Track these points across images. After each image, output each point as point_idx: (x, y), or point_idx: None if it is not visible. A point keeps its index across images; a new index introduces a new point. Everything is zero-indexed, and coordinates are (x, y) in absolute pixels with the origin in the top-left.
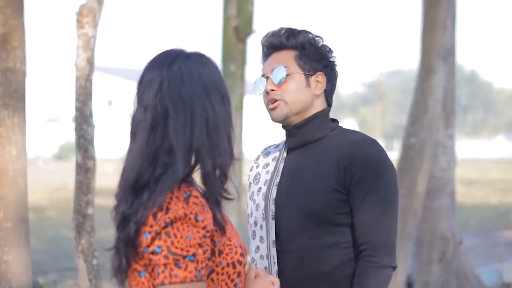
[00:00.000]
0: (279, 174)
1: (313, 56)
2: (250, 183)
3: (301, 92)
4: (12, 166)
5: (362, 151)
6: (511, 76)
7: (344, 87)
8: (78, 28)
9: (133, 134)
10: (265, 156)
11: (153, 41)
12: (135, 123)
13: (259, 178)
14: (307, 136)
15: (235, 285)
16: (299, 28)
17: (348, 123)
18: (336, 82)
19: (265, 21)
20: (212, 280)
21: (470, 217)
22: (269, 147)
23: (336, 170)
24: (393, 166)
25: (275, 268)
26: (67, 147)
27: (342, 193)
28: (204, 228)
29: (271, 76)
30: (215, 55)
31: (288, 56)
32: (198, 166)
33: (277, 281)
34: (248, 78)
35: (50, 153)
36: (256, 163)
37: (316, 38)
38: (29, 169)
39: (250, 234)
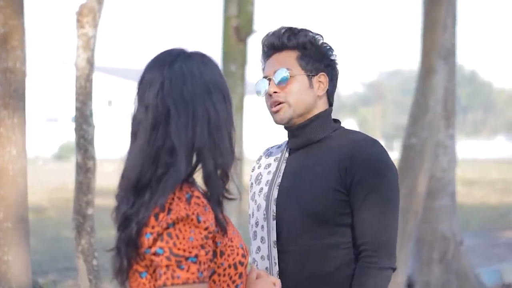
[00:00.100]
0: (281, 174)
1: (315, 56)
2: (252, 183)
3: (304, 94)
4: (12, 166)
5: (363, 151)
6: (511, 76)
7: (344, 87)
8: (78, 28)
9: (134, 134)
10: (267, 157)
11: (153, 41)
12: (136, 123)
13: (261, 178)
14: (310, 137)
15: (236, 286)
16: (299, 27)
17: (348, 123)
18: (337, 81)
19: (266, 21)
20: (214, 282)
21: (470, 217)
22: (271, 147)
23: (337, 170)
24: (395, 167)
25: (276, 268)
26: (67, 147)
27: (343, 194)
28: (206, 229)
29: (273, 78)
30: (216, 55)
31: (289, 57)
32: (199, 166)
33: (278, 282)
34: (249, 78)
35: (50, 153)
36: (258, 163)
37: (316, 37)
38: (29, 169)
39: (251, 234)
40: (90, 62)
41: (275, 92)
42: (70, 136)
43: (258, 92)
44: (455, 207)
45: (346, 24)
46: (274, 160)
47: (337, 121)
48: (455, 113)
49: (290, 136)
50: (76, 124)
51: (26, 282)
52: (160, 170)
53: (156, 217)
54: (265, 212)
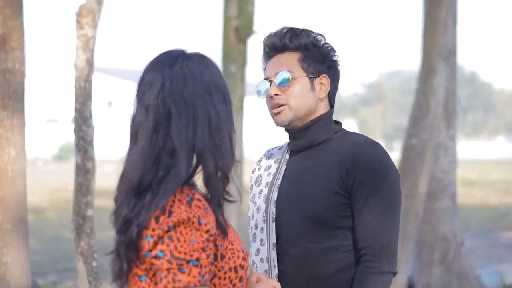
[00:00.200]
0: (281, 176)
1: (317, 57)
2: (252, 185)
3: (305, 96)
4: (11, 167)
5: (364, 153)
6: (511, 77)
7: (344, 88)
8: (77, 28)
9: (134, 136)
10: (267, 158)
11: (153, 42)
12: (136, 124)
13: (261, 180)
14: (312, 139)
15: None
16: (301, 27)
17: (348, 124)
18: (338, 83)
19: (266, 21)
20: (214, 285)
21: (470, 218)
22: (272, 149)
23: (338, 172)
24: (396, 168)
25: (275, 271)
26: (67, 148)
27: (343, 196)
28: (207, 231)
29: (274, 80)
30: (216, 55)
31: (291, 59)
32: (199, 168)
33: (278, 285)
34: (249, 79)
35: (50, 154)
36: (258, 165)
37: (318, 37)
38: (29, 170)
39: (250, 236)
40: (90, 63)
41: (276, 94)
42: (70, 137)
43: (258, 93)
44: (456, 208)
45: (346, 25)
46: (275, 162)
47: (338, 123)
48: (456, 114)
49: (291, 138)
50: (76, 125)
51: (25, 284)
52: (161, 172)
53: (157, 219)
54: (264, 214)
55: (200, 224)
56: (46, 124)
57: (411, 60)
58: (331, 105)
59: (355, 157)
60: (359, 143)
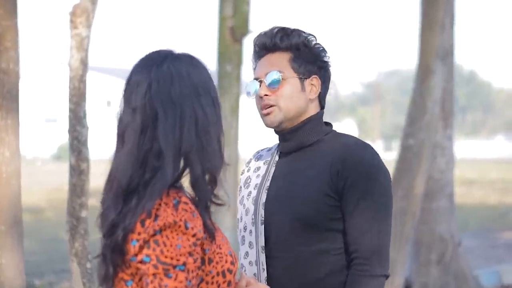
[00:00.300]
0: (270, 178)
1: (308, 58)
2: (241, 187)
3: (295, 97)
4: (5, 168)
5: (355, 155)
6: (510, 76)
7: (343, 88)
8: (71, 28)
9: (121, 137)
10: (257, 160)
11: (150, 41)
12: (123, 125)
13: (250, 182)
14: (302, 140)
15: None
16: (293, 27)
17: (346, 123)
18: (329, 84)
19: (261, 21)
20: None
21: (469, 217)
22: (262, 150)
23: (329, 174)
24: (387, 170)
25: (264, 274)
26: (66, 148)
27: (334, 198)
28: (194, 235)
29: (264, 81)
30: (211, 55)
31: (282, 59)
32: (187, 171)
33: None
34: (244, 78)
35: (48, 154)
36: (247, 166)
37: (309, 38)
38: (27, 170)
39: (239, 239)
40: (84, 63)
41: (266, 95)
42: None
43: (248, 94)
44: (453, 208)
45: (344, 24)
46: (264, 163)
47: (328, 124)
48: (453, 114)
49: (281, 140)
50: (70, 126)
51: (20, 285)
52: (147, 175)
53: (143, 223)
54: (253, 217)
55: (186, 228)
56: (45, 124)
57: (409, 60)
58: (322, 106)
59: (345, 158)
60: (349, 145)
